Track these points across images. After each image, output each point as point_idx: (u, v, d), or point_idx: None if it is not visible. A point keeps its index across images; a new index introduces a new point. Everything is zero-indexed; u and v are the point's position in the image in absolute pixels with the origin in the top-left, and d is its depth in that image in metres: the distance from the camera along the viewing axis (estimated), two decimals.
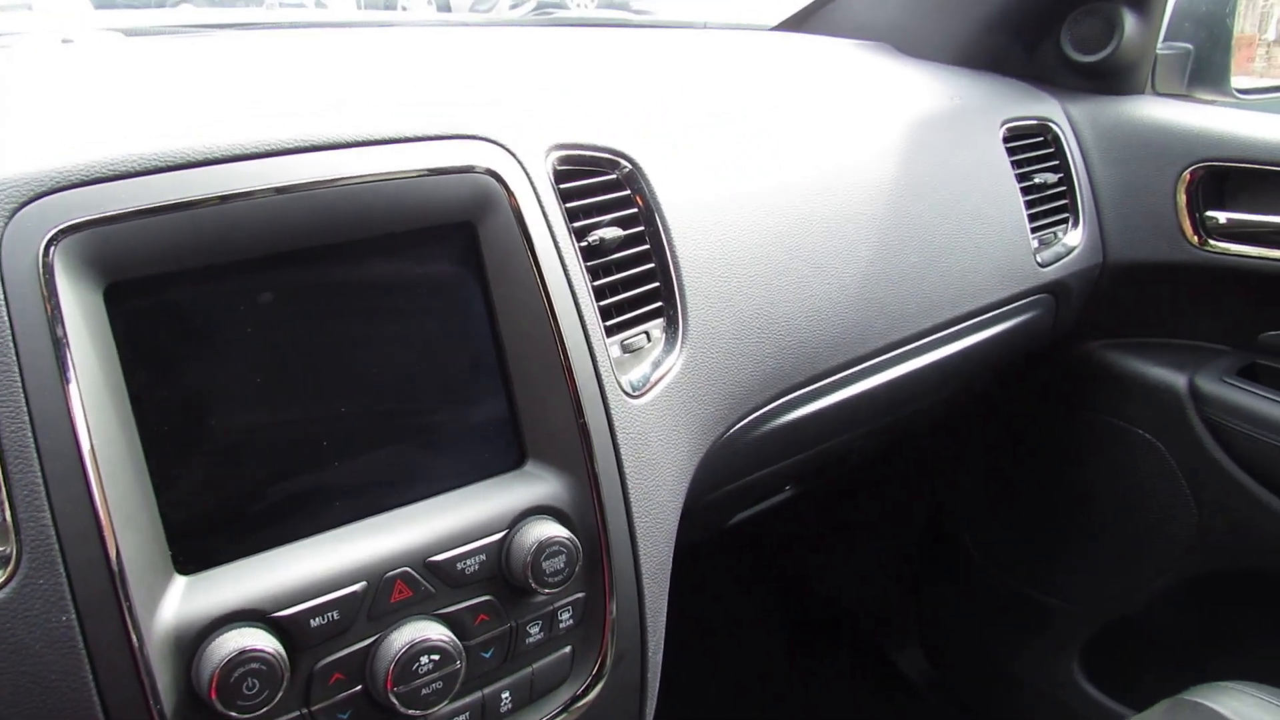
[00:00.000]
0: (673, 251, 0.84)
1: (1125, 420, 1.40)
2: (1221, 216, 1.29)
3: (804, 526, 1.85)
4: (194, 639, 0.58)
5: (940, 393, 1.28)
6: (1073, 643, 1.56)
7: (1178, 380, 1.35)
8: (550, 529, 0.69)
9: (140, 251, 0.58)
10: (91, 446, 0.56)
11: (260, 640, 0.59)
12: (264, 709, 0.58)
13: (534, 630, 0.71)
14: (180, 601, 0.59)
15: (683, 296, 0.84)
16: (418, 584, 0.65)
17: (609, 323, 0.78)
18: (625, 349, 0.80)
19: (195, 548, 0.61)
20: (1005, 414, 1.58)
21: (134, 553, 0.57)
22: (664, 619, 0.81)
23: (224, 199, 0.60)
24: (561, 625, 0.73)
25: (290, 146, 0.64)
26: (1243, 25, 2.04)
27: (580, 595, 0.73)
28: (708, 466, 0.90)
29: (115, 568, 0.56)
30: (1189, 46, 1.43)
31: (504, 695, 0.71)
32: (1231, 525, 1.32)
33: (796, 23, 1.57)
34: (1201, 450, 1.32)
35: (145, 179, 0.58)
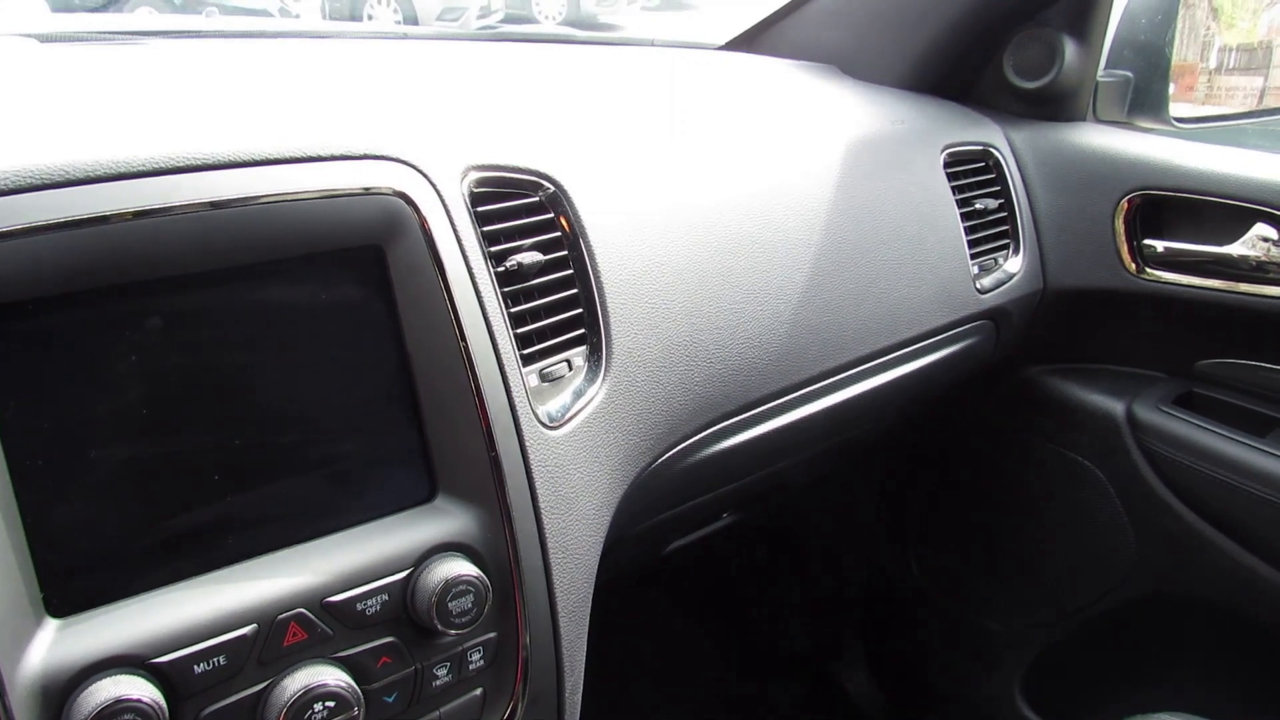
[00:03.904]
0: (597, 277, 0.81)
1: (1065, 446, 1.40)
2: (1159, 245, 1.29)
3: (745, 554, 1.84)
4: (64, 687, 0.55)
5: (881, 419, 1.27)
6: (1016, 668, 1.55)
7: (1116, 407, 1.35)
8: (458, 567, 0.66)
9: (9, 274, 0.54)
10: None
11: (136, 689, 0.55)
12: None
13: (441, 672, 0.68)
14: (50, 646, 0.55)
15: (606, 324, 0.81)
16: (314, 626, 0.62)
17: (527, 350, 0.76)
18: (544, 378, 0.77)
19: (69, 589, 0.57)
20: (947, 439, 1.58)
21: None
22: (583, 658, 0.78)
23: (102, 219, 0.56)
24: (471, 666, 0.69)
25: (181, 164, 0.60)
26: (1184, 54, 2.07)
27: (491, 635, 0.70)
28: (636, 496, 0.87)
29: None
30: (1129, 74, 1.44)
31: None
32: (1167, 552, 1.32)
33: (744, 42, 1.55)
34: (1138, 477, 1.32)
35: (15, 197, 0.55)
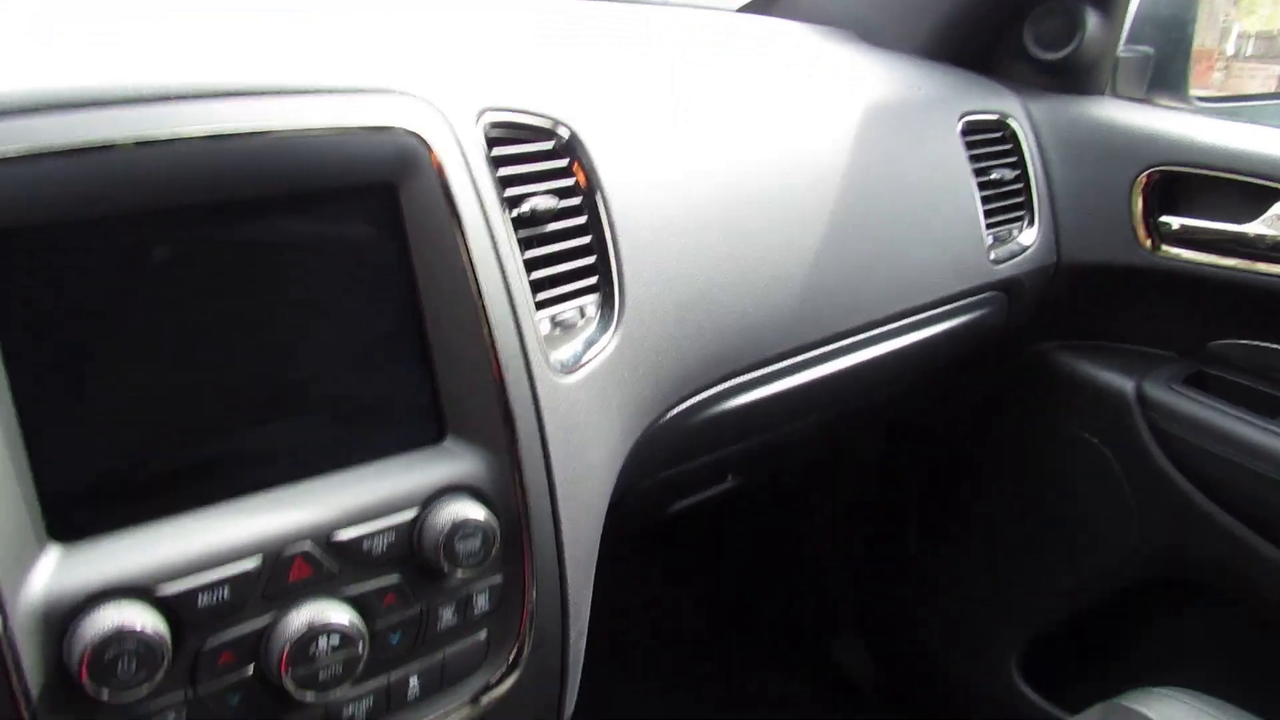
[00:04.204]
0: (611, 226, 0.80)
1: (1073, 424, 1.40)
2: (1175, 222, 1.28)
3: (747, 518, 1.83)
4: (66, 613, 0.54)
5: (889, 388, 1.26)
6: (1013, 646, 1.55)
7: (1126, 385, 1.34)
8: (467, 509, 0.65)
9: (11, 199, 0.53)
10: None
11: (140, 618, 0.54)
12: (142, 692, 0.54)
13: (446, 614, 0.68)
14: (53, 573, 0.54)
15: (620, 274, 0.80)
16: (319, 563, 0.61)
17: (540, 296, 0.75)
18: (557, 324, 0.77)
19: (72, 515, 0.56)
20: (952, 414, 1.57)
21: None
22: (588, 607, 0.77)
23: (106, 147, 0.55)
24: (476, 610, 0.69)
25: (190, 92, 0.59)
26: (1202, 40, 2.05)
27: (497, 579, 0.69)
28: (643, 451, 0.87)
29: None
30: (1150, 50, 1.42)
31: (412, 681, 0.67)
32: (1173, 534, 1.31)
33: (762, 5, 1.54)
34: (1147, 457, 1.31)
35: (17, 120, 0.53)
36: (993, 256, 1.22)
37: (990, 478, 1.54)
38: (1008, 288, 1.26)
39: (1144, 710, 1.06)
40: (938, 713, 1.73)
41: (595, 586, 0.79)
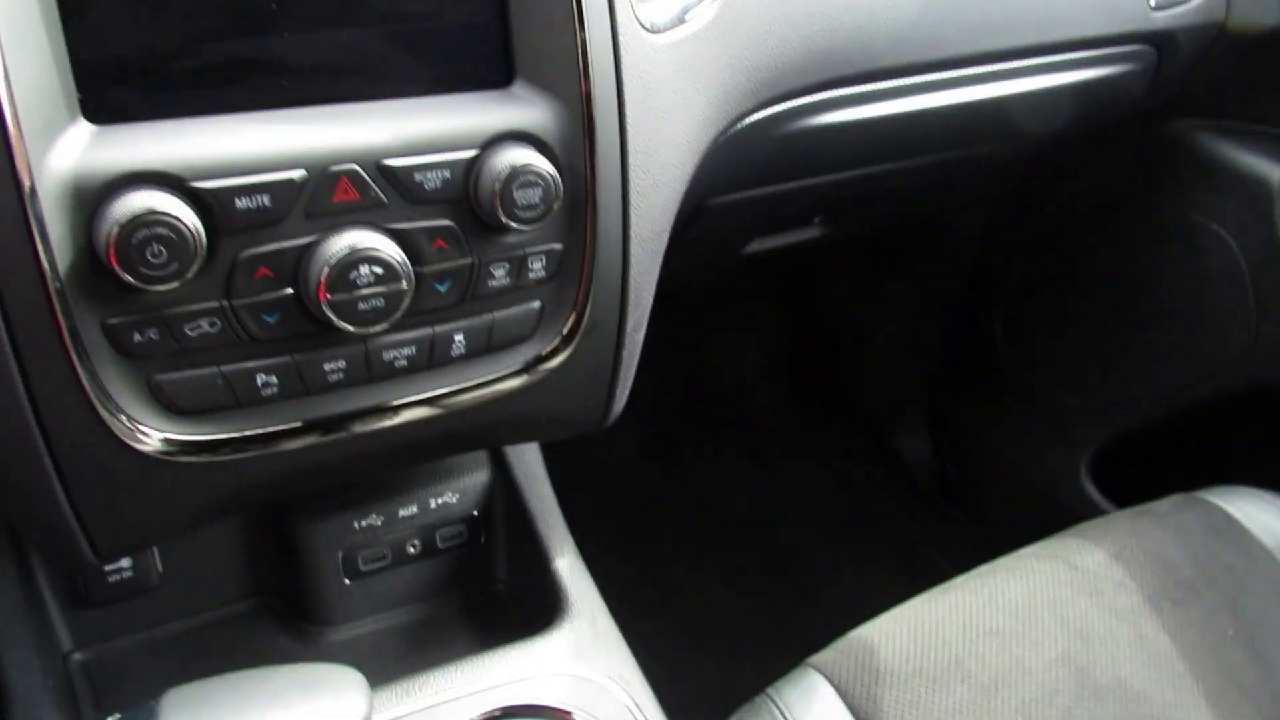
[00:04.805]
0: None
1: (1201, 213, 1.27)
2: None
3: (826, 286, 1.77)
4: (96, 193, 0.51)
5: (1004, 139, 1.14)
6: (1087, 445, 1.49)
7: (1272, 172, 1.20)
8: (529, 156, 0.60)
9: None
10: None
11: (172, 205, 0.51)
12: (173, 282, 0.51)
13: (499, 273, 0.63)
14: (85, 149, 0.51)
15: None
16: (367, 187, 0.57)
17: None
18: None
19: (107, 95, 0.52)
20: (1066, 194, 1.45)
21: (27, 77, 0.48)
22: (650, 298, 0.73)
23: None
24: (531, 275, 0.65)
25: None
26: None
27: (556, 246, 0.64)
28: (728, 154, 0.79)
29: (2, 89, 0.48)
30: None
31: (457, 337, 0.64)
32: None
33: None
34: (1278, 252, 1.19)
35: None
36: (1153, 1, 1.07)
37: (1095, 266, 1.43)
38: (1161, 43, 1.11)
39: (1223, 504, 1.01)
40: (991, 508, 1.70)
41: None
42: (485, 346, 0.65)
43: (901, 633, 0.80)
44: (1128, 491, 1.47)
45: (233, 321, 0.56)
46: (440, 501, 0.85)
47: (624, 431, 1.70)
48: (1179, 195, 1.30)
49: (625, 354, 0.72)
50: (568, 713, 0.63)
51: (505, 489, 0.87)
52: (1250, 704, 0.82)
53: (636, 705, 0.66)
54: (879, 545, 1.67)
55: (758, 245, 1.15)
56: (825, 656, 0.80)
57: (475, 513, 0.86)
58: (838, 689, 0.76)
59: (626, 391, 0.75)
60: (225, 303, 0.55)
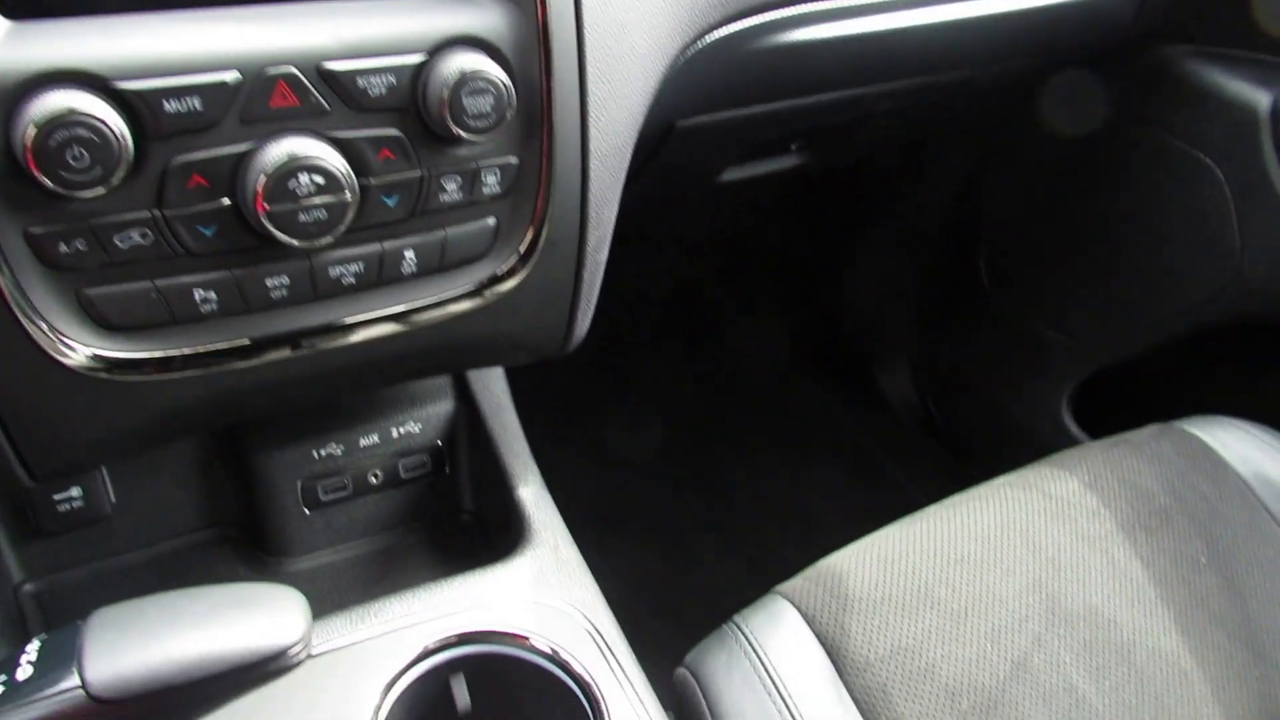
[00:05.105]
0: None
1: (1186, 140, 1.24)
2: None
3: (805, 212, 1.74)
4: (13, 92, 0.48)
5: (984, 63, 1.11)
6: (1069, 380, 1.48)
7: (1260, 99, 1.17)
8: (479, 61, 0.57)
9: None
10: None
11: (93, 105, 0.48)
12: (97, 188, 0.49)
13: (450, 187, 0.61)
14: (0, 46, 0.48)
15: None
16: (306, 92, 0.54)
17: None
18: None
19: None
20: (1049, 124, 1.41)
21: None
22: (611, 216, 0.70)
23: None
24: (485, 189, 0.62)
25: None
26: None
27: (511, 159, 0.62)
28: (697, 72, 0.76)
29: None
30: None
31: (408, 254, 0.61)
32: (1272, 268, 1.19)
33: None
34: (1264, 180, 1.16)
35: None
36: None
37: (1079, 197, 1.40)
38: None
39: (1199, 434, 0.99)
40: (972, 443, 1.69)
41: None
42: (438, 264, 0.63)
43: (871, 561, 0.79)
44: (1108, 426, 1.46)
45: (166, 233, 0.53)
46: (403, 431, 0.83)
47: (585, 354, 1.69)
48: (1165, 123, 1.27)
49: (586, 275, 0.69)
50: (524, 637, 0.61)
51: (469, 418, 0.85)
52: (1220, 629, 0.81)
53: (597, 631, 0.65)
54: (858, 481, 1.67)
55: (734, 174, 1.12)
56: (793, 584, 0.79)
57: (439, 442, 0.85)
58: (805, 616, 0.75)
59: (589, 316, 0.73)
60: (157, 213, 0.53)
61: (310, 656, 0.58)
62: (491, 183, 0.62)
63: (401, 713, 0.61)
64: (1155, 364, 1.40)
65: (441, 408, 0.85)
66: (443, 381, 0.85)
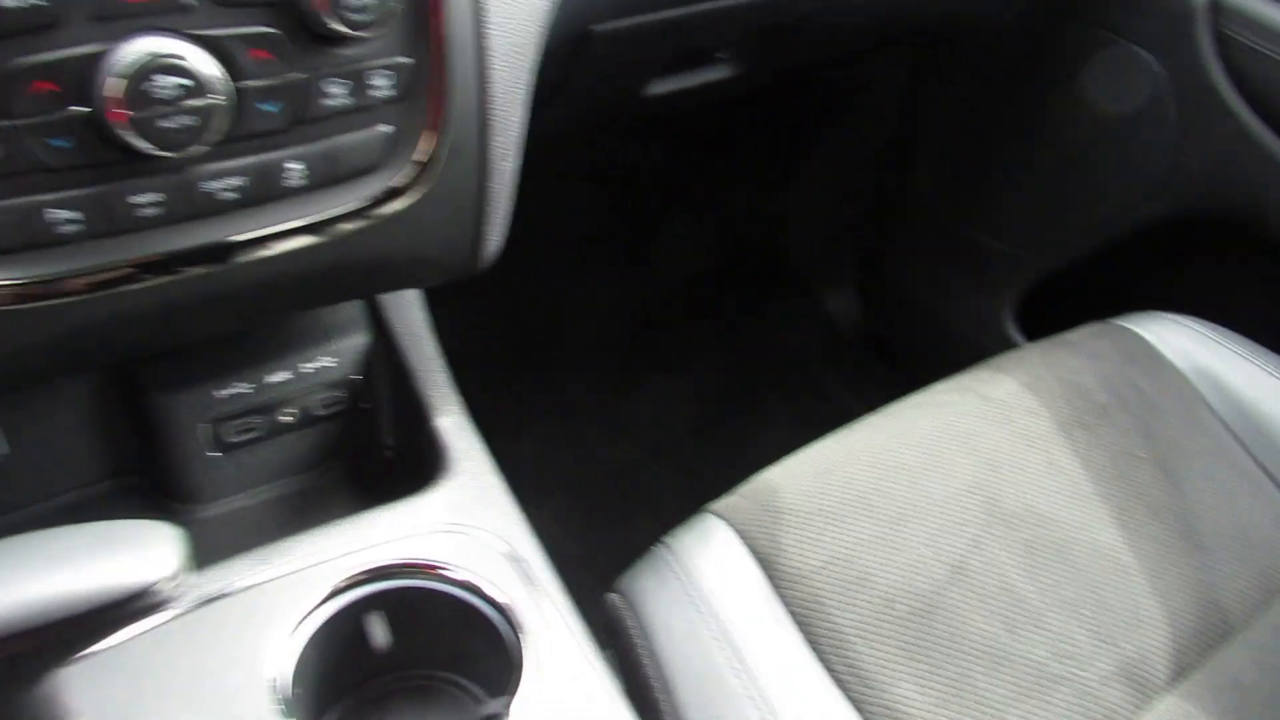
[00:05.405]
0: None
1: (1124, 34, 1.21)
2: None
3: (748, 137, 1.70)
4: None
5: None
6: (1012, 289, 1.47)
7: None
8: None
9: None
10: None
11: None
12: None
13: (336, 91, 0.56)
14: None
15: None
16: None
17: None
18: None
19: None
20: (988, 30, 1.38)
21: None
22: (519, 122, 0.66)
23: None
24: (376, 93, 0.57)
25: None
26: None
27: (402, 60, 0.57)
28: None
29: None
30: None
31: (293, 166, 0.57)
32: (1212, 162, 1.18)
33: None
34: (1201, 73, 1.14)
35: None
36: None
37: (1017, 100, 1.38)
38: None
39: (1137, 330, 0.99)
40: (920, 359, 1.69)
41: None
42: (328, 177, 0.58)
43: (805, 473, 0.77)
44: (1053, 334, 1.46)
45: (19, 148, 0.49)
46: (316, 366, 0.79)
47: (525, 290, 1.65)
48: (1100, 17, 1.24)
49: (493, 185, 0.65)
50: (438, 568, 0.59)
51: (386, 350, 0.81)
52: (1158, 522, 0.81)
53: (520, 556, 0.62)
54: (802, 399, 1.65)
55: (662, 86, 1.08)
56: (726, 502, 0.77)
57: (356, 376, 0.81)
58: (738, 532, 0.73)
59: (500, 230, 0.69)
60: (5, 123, 0.48)
61: (210, 600, 0.55)
62: (382, 86, 0.57)
63: (315, 655, 0.59)
64: (1098, 268, 1.39)
65: (357, 340, 0.81)
66: (356, 313, 0.81)
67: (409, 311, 0.82)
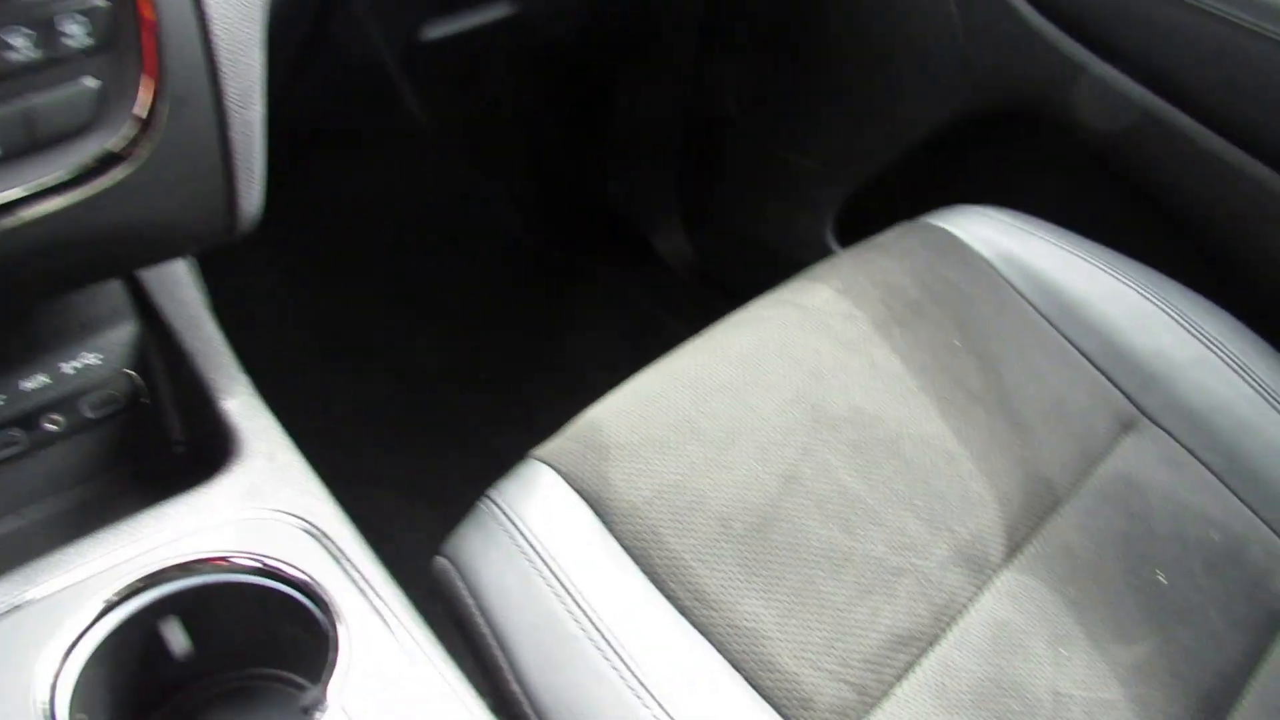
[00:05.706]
0: None
1: None
2: None
3: (541, 83, 1.65)
4: None
5: None
6: (829, 206, 1.48)
7: None
8: None
9: None
10: None
11: None
12: None
13: (20, 43, 0.49)
14: None
15: None
16: None
17: None
18: None
19: None
20: None
21: None
22: (256, 62, 0.60)
23: None
24: (70, 42, 0.50)
25: None
26: None
27: (98, 2, 0.50)
28: None
29: None
30: None
31: None
32: (998, 58, 1.20)
33: None
34: None
35: None
36: None
37: (812, 22, 1.38)
38: None
39: (945, 225, 1.00)
40: (753, 287, 1.69)
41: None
42: (29, 143, 0.51)
43: (628, 406, 0.75)
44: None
45: None
46: (78, 365, 0.71)
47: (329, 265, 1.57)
48: None
49: (237, 136, 0.59)
50: (224, 559, 0.53)
51: (160, 336, 0.74)
52: (979, 406, 0.82)
53: (321, 531, 0.57)
54: (634, 338, 1.64)
55: (440, 30, 1.02)
56: (550, 446, 0.74)
57: (128, 371, 0.73)
58: (564, 475, 0.70)
59: (258, 188, 0.63)
60: None
61: None
62: (76, 33, 0.51)
63: (104, 675, 0.53)
64: (909, 173, 1.41)
65: (123, 330, 0.73)
66: (119, 300, 0.74)
67: (181, 291, 0.75)
